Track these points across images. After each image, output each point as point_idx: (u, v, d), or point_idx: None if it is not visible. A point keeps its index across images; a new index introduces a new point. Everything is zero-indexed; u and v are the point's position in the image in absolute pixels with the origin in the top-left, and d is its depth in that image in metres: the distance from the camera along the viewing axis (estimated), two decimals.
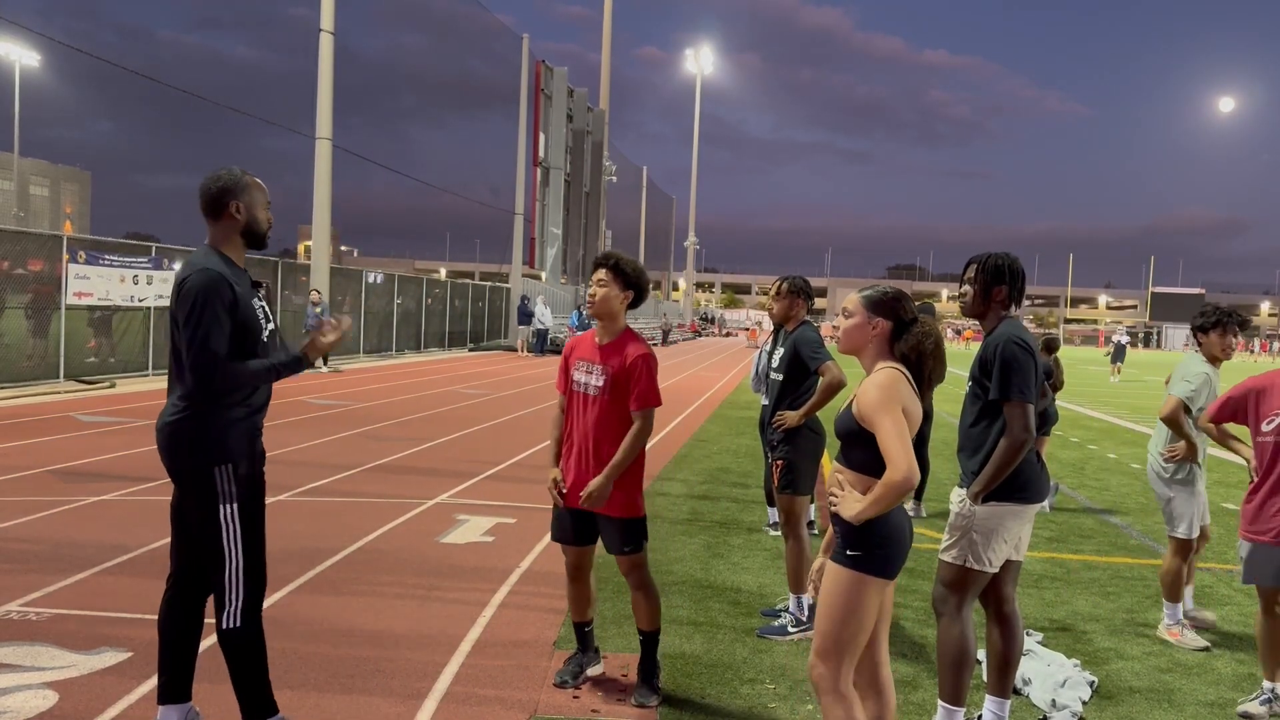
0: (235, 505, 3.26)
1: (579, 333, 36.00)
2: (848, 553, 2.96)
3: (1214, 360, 5.22)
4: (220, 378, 3.16)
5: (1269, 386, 4.49)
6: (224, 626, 3.28)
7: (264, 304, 3.43)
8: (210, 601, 3.41)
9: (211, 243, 3.35)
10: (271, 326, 3.42)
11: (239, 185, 3.33)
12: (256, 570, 3.33)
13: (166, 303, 18.81)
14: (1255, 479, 4.49)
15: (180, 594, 3.44)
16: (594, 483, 4.00)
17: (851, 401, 3.05)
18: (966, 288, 3.92)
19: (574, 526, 4.18)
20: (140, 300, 18.03)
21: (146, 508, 7.22)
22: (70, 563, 5.68)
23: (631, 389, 4.02)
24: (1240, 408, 4.59)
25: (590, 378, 4.08)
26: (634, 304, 4.17)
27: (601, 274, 4.11)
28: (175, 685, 3.44)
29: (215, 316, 3.15)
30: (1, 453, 9.38)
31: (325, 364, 22.40)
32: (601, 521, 4.11)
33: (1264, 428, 4.43)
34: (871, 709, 3.12)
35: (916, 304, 3.39)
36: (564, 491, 4.12)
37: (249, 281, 3.36)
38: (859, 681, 3.10)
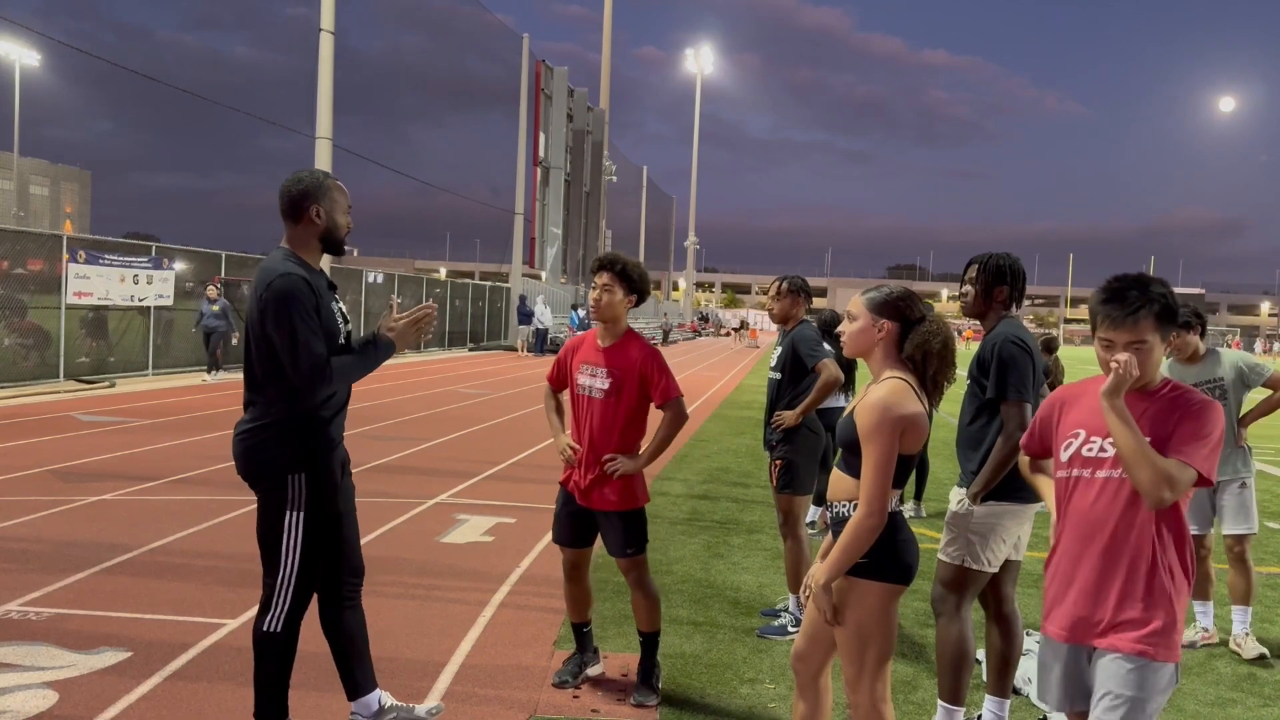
0: (301, 514, 3.25)
1: (579, 332, 35.89)
2: (866, 565, 2.83)
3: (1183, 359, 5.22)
4: (327, 379, 3.15)
5: (1071, 399, 2.82)
6: (264, 629, 3.28)
7: (341, 305, 3.42)
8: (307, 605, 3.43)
9: (288, 245, 3.31)
10: (349, 328, 3.42)
11: (320, 189, 3.31)
12: (308, 580, 3.32)
13: (167, 302, 18.69)
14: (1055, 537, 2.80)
15: (325, 603, 3.48)
16: (625, 460, 4.02)
17: (854, 409, 2.97)
18: (968, 288, 3.92)
19: (575, 528, 4.19)
20: (140, 300, 18.03)
21: (146, 508, 7.22)
22: (70, 563, 5.68)
23: (652, 388, 4.05)
24: (1048, 431, 2.89)
25: (595, 380, 4.08)
26: (635, 305, 4.19)
27: (605, 278, 4.09)
28: (356, 682, 3.53)
29: (307, 319, 3.13)
30: (1, 453, 9.38)
31: None
32: (603, 522, 4.11)
33: (1061, 455, 2.73)
34: (806, 710, 3.08)
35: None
36: (579, 457, 4.11)
37: (326, 283, 3.34)
38: (802, 678, 3.08)
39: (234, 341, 17.90)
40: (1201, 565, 5.22)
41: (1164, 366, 5.20)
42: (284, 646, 3.32)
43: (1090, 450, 2.63)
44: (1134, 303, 2.51)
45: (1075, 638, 2.61)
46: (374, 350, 3.32)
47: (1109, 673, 2.51)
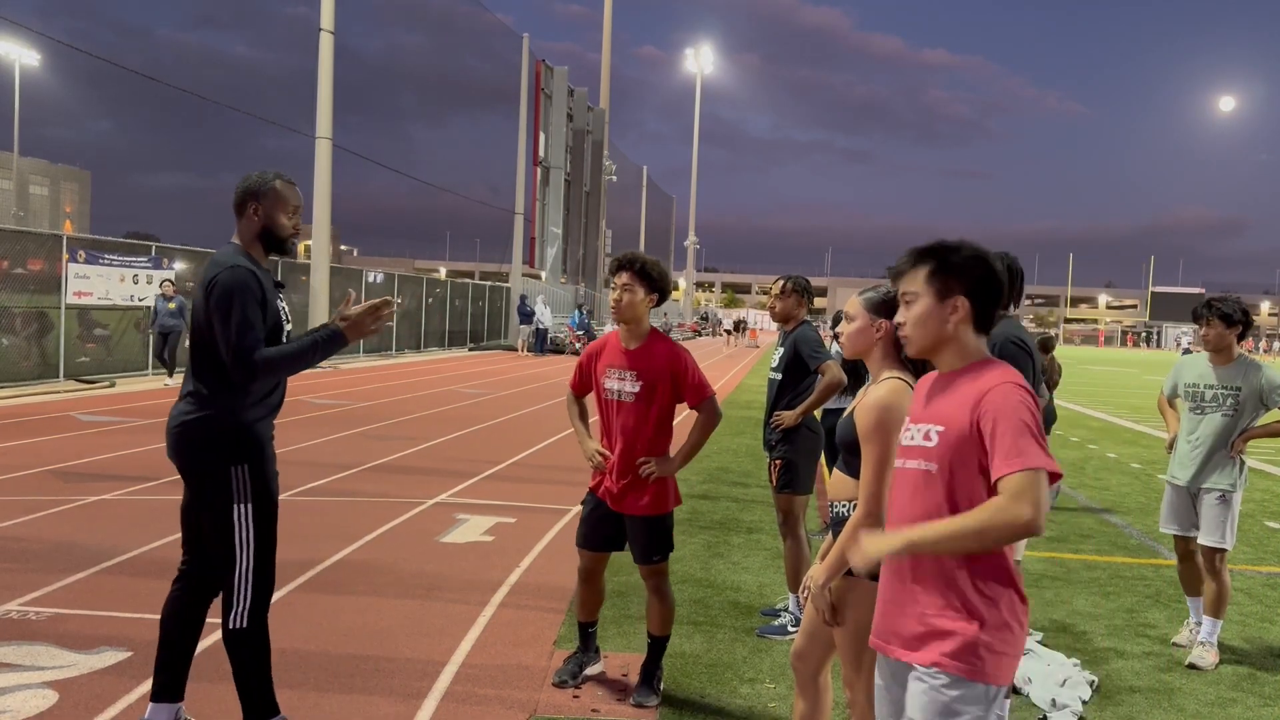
0: (249, 505, 3.26)
1: (579, 332, 35.84)
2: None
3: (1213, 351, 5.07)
4: (265, 365, 3.15)
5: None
6: (231, 626, 3.28)
7: (284, 305, 3.45)
8: (214, 602, 3.42)
9: (236, 240, 3.39)
10: (289, 327, 3.44)
11: (263, 189, 3.36)
12: (266, 571, 3.33)
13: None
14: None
15: (188, 593, 3.45)
16: (659, 463, 4.00)
17: (853, 410, 2.98)
18: None
19: (602, 533, 4.17)
20: (140, 300, 18.03)
21: (146, 508, 7.22)
22: (70, 563, 5.68)
23: (684, 388, 4.02)
24: None
25: (624, 384, 4.03)
26: (657, 304, 4.13)
27: (625, 277, 4.01)
28: (171, 684, 3.44)
29: (249, 309, 3.16)
30: (1, 453, 9.38)
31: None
32: (632, 527, 4.09)
33: (903, 440, 2.44)
34: (806, 708, 3.09)
35: None
36: (609, 463, 4.08)
37: (273, 281, 3.38)
38: (802, 677, 3.08)
39: (185, 342, 17.10)
40: (1188, 565, 5.21)
41: (1200, 361, 5.08)
42: (255, 640, 3.31)
43: (909, 437, 2.37)
44: (912, 256, 2.39)
45: (887, 650, 2.37)
46: (321, 340, 3.27)
47: (911, 692, 2.27)
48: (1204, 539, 5.04)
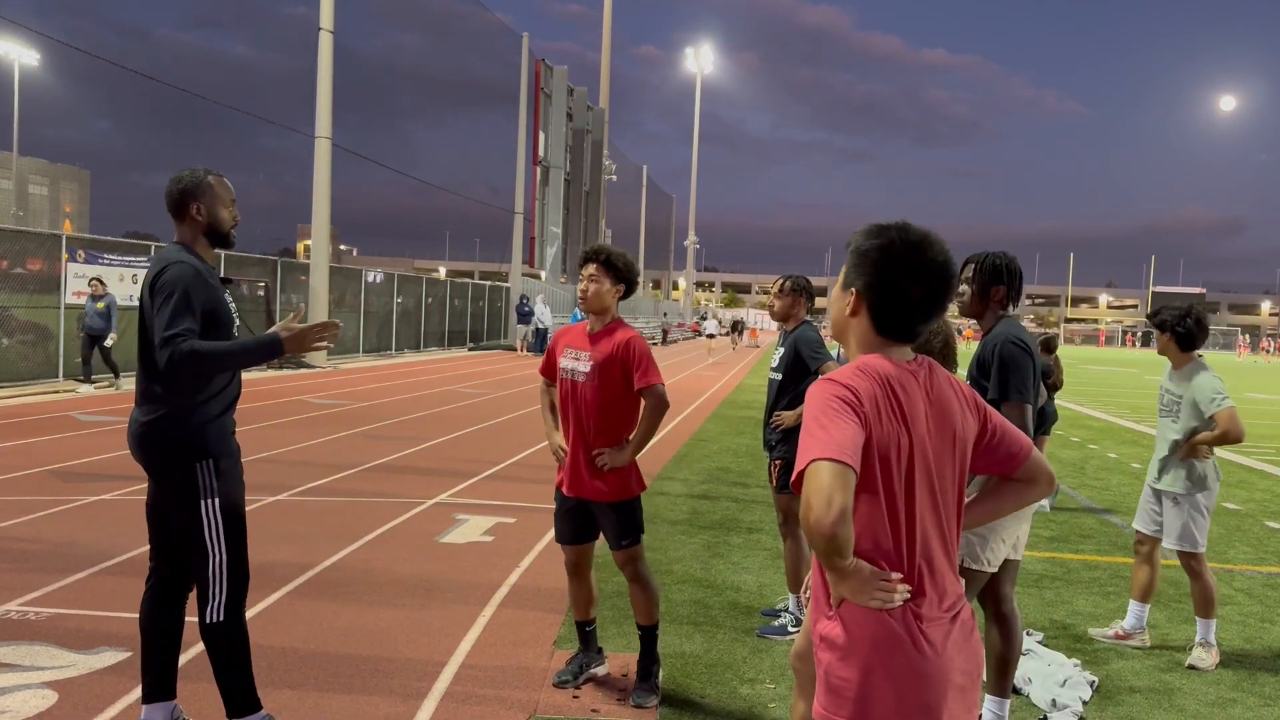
0: (217, 500, 3.28)
1: None
2: None
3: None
4: (190, 356, 3.09)
5: None
6: (208, 621, 3.30)
7: (233, 301, 3.47)
8: (190, 599, 3.43)
9: (180, 241, 3.40)
10: (238, 323, 3.46)
11: (200, 186, 3.37)
12: (239, 564, 3.35)
13: None
14: None
15: (161, 593, 3.45)
16: (613, 453, 4.04)
17: None
18: (964, 288, 3.92)
19: (573, 524, 4.20)
20: (139, 299, 18.00)
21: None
22: (70, 563, 5.67)
23: (633, 373, 4.05)
24: None
25: (578, 364, 4.11)
26: (624, 295, 4.21)
27: (592, 269, 4.13)
28: (159, 684, 3.44)
29: (189, 304, 3.16)
30: (1, 453, 9.38)
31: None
32: (598, 513, 4.13)
33: None
34: (807, 709, 3.09)
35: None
36: (565, 460, 4.15)
37: (219, 278, 3.41)
38: (803, 678, 3.08)
39: (108, 342, 15.33)
40: (1139, 564, 5.24)
41: (1168, 366, 5.16)
42: (233, 633, 3.33)
43: None
44: None
45: None
46: (255, 345, 3.27)
47: None
48: (1166, 542, 5.10)
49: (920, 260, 2.00)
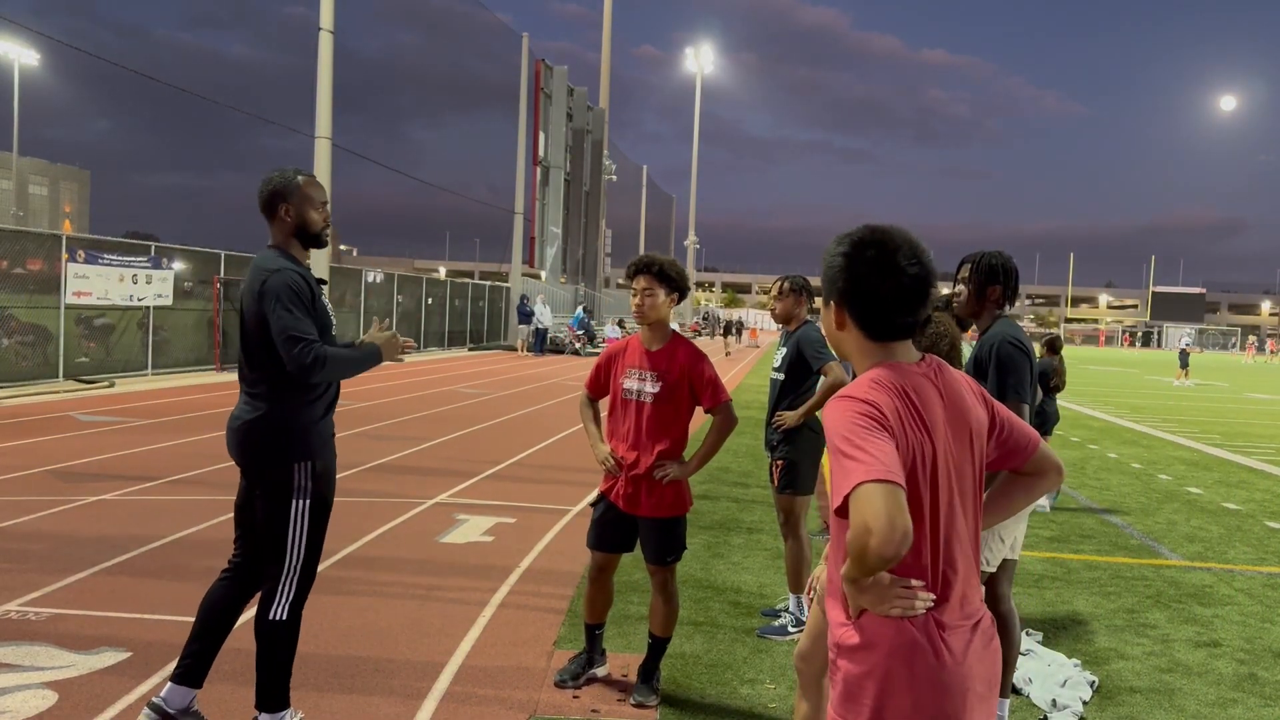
0: (308, 502, 3.33)
1: (579, 332, 35.71)
2: None
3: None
4: (323, 361, 3.20)
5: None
6: (271, 617, 3.33)
7: (328, 302, 3.51)
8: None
9: (274, 244, 3.44)
10: (334, 324, 3.50)
11: (288, 188, 3.40)
12: (311, 567, 3.40)
13: (166, 302, 18.51)
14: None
15: (235, 585, 3.49)
16: (675, 467, 4.01)
17: None
18: (961, 287, 3.91)
19: (614, 535, 4.15)
20: (139, 300, 18.02)
21: (146, 507, 7.22)
22: (70, 563, 5.67)
23: (701, 391, 4.03)
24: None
25: (644, 385, 4.04)
26: (678, 303, 4.17)
27: (644, 281, 4.03)
28: (193, 670, 3.47)
29: (303, 308, 3.23)
30: (1, 453, 9.38)
31: None
32: (645, 528, 4.09)
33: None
34: (808, 709, 3.08)
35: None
36: (622, 467, 4.08)
37: (316, 279, 3.43)
38: (805, 678, 3.08)
39: None
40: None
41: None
42: (291, 633, 3.37)
43: None
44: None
45: None
46: (364, 355, 3.39)
47: None
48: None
49: (883, 256, 2.00)
